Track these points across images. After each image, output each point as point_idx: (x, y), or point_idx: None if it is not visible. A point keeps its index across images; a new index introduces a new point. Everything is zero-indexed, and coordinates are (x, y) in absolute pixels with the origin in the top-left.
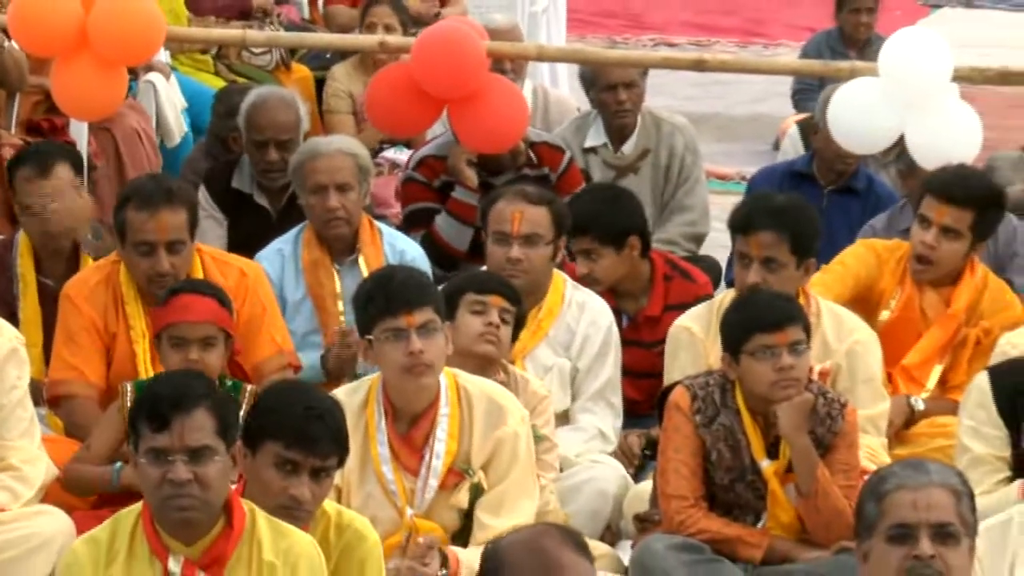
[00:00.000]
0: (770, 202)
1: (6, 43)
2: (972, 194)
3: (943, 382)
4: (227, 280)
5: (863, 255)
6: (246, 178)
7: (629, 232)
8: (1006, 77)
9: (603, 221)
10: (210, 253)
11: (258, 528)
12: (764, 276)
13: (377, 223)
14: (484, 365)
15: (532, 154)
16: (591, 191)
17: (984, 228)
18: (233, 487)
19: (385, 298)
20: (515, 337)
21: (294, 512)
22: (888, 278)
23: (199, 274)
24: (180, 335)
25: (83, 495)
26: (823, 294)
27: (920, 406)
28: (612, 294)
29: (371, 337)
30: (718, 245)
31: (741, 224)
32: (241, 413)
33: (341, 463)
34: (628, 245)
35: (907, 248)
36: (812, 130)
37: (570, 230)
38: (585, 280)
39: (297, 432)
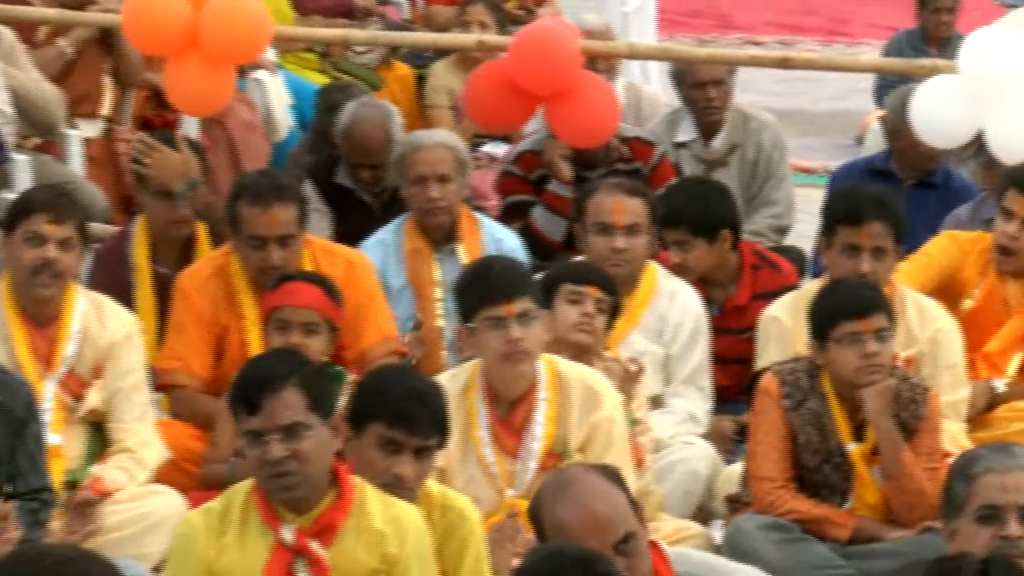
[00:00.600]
0: (875, 194)
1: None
2: None
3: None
4: (335, 270)
5: (947, 246)
6: (348, 175)
7: (721, 225)
8: None
9: (697, 214)
10: (318, 244)
11: (368, 500)
12: (873, 265)
13: (476, 214)
14: (579, 353)
15: (625, 148)
16: (686, 184)
17: None
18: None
19: (484, 288)
20: (611, 326)
21: (397, 490)
22: (971, 268)
23: (308, 265)
24: (284, 318)
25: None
26: (909, 283)
27: (1001, 389)
28: (702, 283)
29: (471, 325)
30: (802, 236)
31: (851, 216)
32: (341, 401)
33: (443, 444)
34: (720, 237)
35: (989, 239)
36: (891, 134)
37: (664, 221)
38: (677, 269)
39: (399, 413)
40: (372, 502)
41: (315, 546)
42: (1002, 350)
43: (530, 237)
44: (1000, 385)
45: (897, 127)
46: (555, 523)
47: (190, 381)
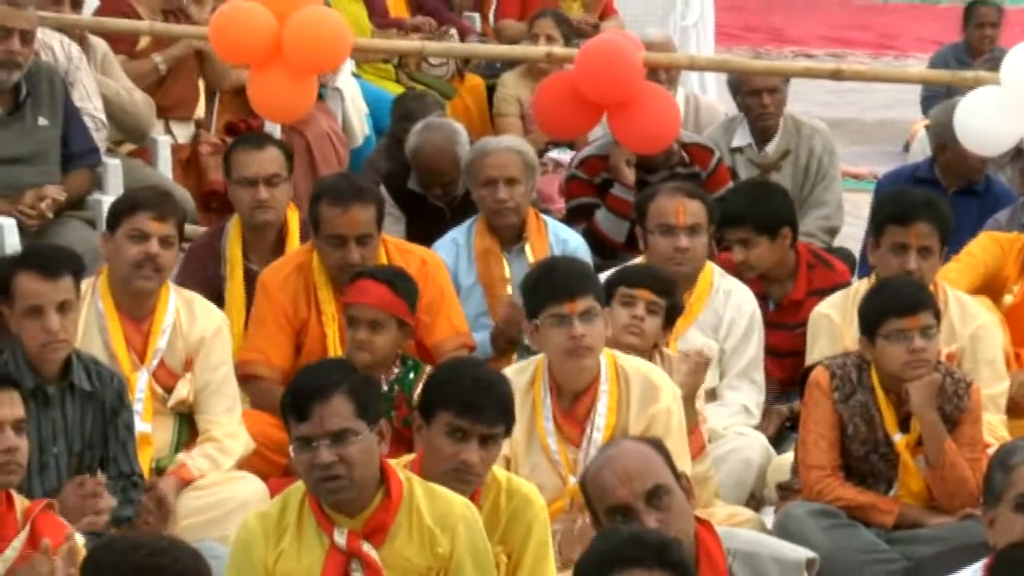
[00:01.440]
0: (923, 196)
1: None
2: None
3: None
4: (409, 268)
5: (989, 246)
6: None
7: (782, 223)
8: None
9: (759, 213)
10: (394, 243)
11: (416, 496)
12: (919, 263)
13: (543, 216)
14: (630, 354)
15: (684, 154)
16: (747, 186)
17: None
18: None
19: (550, 286)
20: (670, 326)
21: (464, 476)
22: (1011, 267)
23: (385, 262)
24: (353, 314)
25: None
26: (957, 280)
27: None
28: (760, 280)
29: (537, 322)
30: (849, 239)
31: (900, 216)
32: (417, 391)
33: (508, 432)
34: (781, 235)
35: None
36: (937, 148)
37: (728, 220)
38: (742, 267)
39: (466, 401)
40: (420, 497)
41: (367, 548)
42: None
43: (593, 238)
44: None
45: (943, 141)
46: (593, 481)
47: (270, 373)
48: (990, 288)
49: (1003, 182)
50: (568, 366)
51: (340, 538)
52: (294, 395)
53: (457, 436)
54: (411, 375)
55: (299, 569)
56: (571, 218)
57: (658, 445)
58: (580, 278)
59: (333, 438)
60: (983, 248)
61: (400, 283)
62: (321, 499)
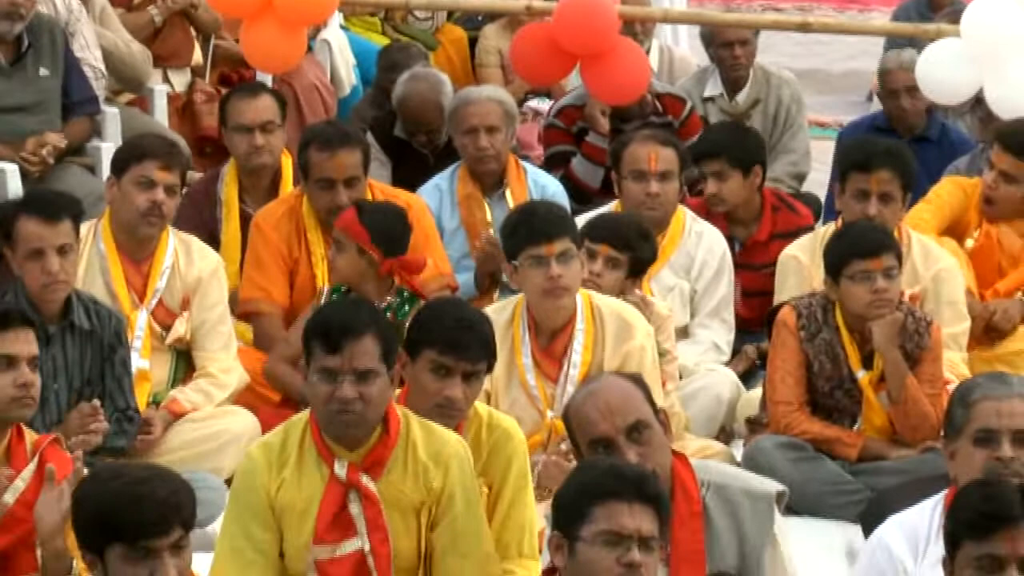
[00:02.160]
0: (885, 145)
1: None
2: None
3: None
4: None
5: (953, 190)
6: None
7: (755, 162)
8: None
9: (735, 147)
10: (380, 188)
11: (412, 432)
12: (880, 209)
13: (522, 162)
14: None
15: (658, 104)
16: (724, 125)
17: None
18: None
19: (529, 229)
20: (639, 273)
21: (448, 411)
22: (972, 211)
23: None
24: (335, 238)
25: (277, 391)
26: (928, 221)
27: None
28: (727, 222)
29: (516, 263)
30: (816, 184)
31: (862, 163)
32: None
33: (490, 368)
34: (753, 173)
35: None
36: (883, 97)
37: (704, 154)
38: (713, 200)
39: (450, 340)
40: (416, 433)
41: (366, 480)
42: (1007, 292)
43: (570, 184)
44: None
45: (891, 87)
46: (576, 414)
47: (271, 309)
48: (953, 232)
49: (961, 130)
50: (546, 305)
51: (340, 470)
52: (325, 327)
53: (441, 373)
54: (406, 307)
55: (300, 498)
56: (549, 165)
57: (639, 381)
58: (557, 222)
59: (358, 376)
60: (948, 192)
61: (371, 214)
62: (331, 431)
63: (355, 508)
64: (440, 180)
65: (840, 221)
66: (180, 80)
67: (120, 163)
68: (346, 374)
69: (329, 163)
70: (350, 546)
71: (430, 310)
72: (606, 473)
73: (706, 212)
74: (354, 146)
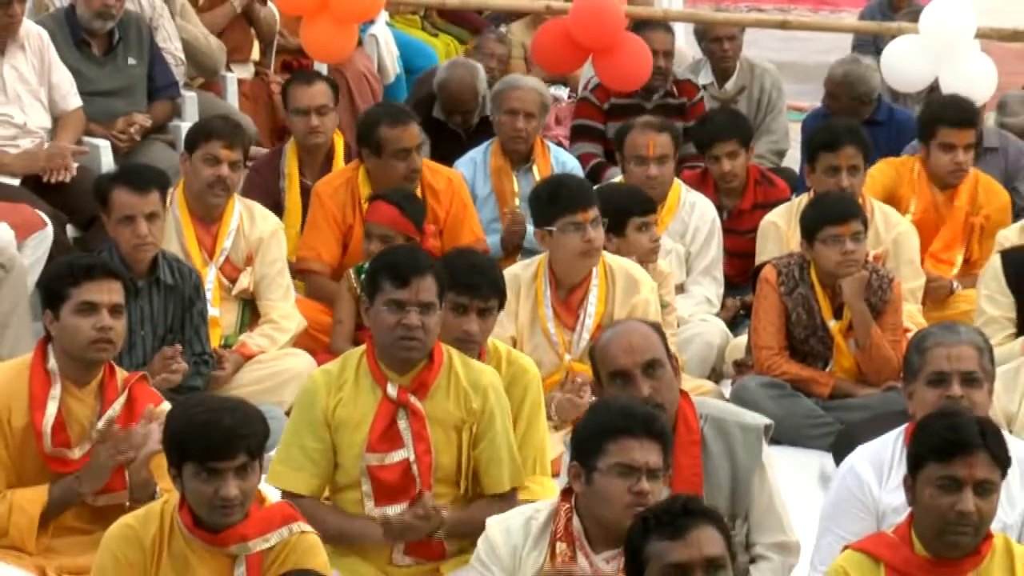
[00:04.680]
0: (846, 125)
1: (261, 8)
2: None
3: (966, 261)
4: (438, 183)
5: (885, 169)
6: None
7: (750, 140)
8: (1017, 35)
9: (743, 130)
10: (426, 163)
11: (454, 363)
12: (850, 181)
13: (546, 140)
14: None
15: (675, 87)
16: (728, 111)
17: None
18: None
19: (567, 199)
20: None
21: (466, 344)
22: (906, 187)
23: (425, 174)
24: (369, 229)
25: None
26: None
27: (958, 288)
28: (717, 193)
29: (551, 228)
30: (793, 160)
31: (830, 143)
32: None
33: (501, 306)
34: (750, 149)
35: (915, 162)
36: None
37: (718, 137)
38: (728, 177)
39: (464, 282)
40: (457, 364)
41: (413, 399)
42: (944, 248)
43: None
44: (958, 286)
45: (833, 91)
46: (602, 350)
47: (322, 268)
48: (889, 204)
49: (907, 113)
50: (579, 265)
51: (392, 390)
52: (395, 265)
53: (460, 311)
54: None
55: (355, 414)
56: (575, 135)
57: (657, 328)
58: (589, 192)
59: (422, 307)
60: (880, 171)
61: (408, 205)
62: (393, 354)
63: (403, 423)
64: (475, 153)
65: (813, 192)
66: (243, 71)
67: (191, 142)
68: (413, 306)
69: (404, 134)
70: (398, 456)
71: (447, 260)
72: (619, 413)
73: (698, 184)
74: (415, 119)
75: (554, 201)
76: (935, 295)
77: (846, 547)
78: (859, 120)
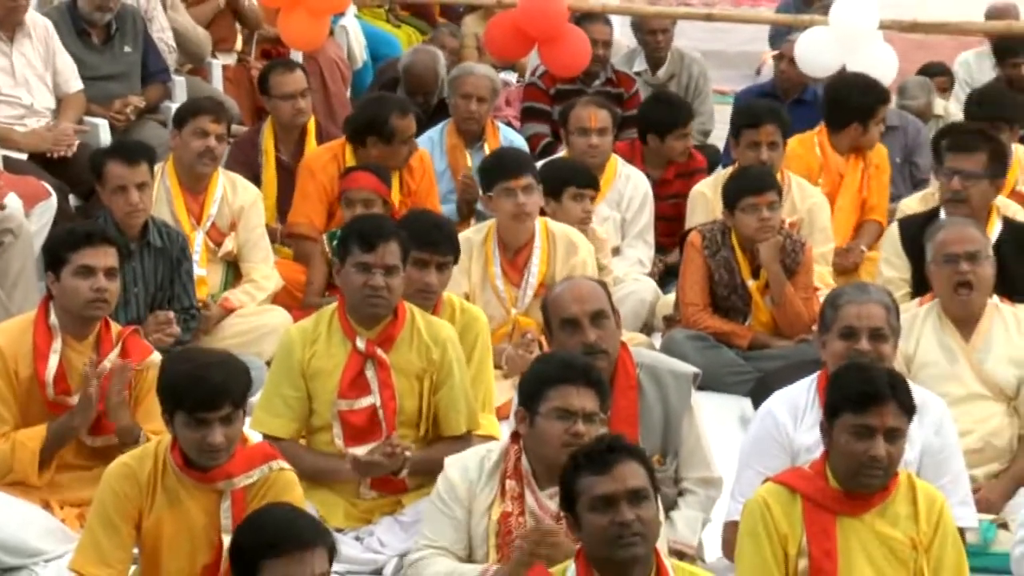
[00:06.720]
0: (767, 105)
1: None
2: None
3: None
4: (413, 161)
5: (793, 145)
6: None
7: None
8: (916, 27)
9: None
10: None
11: (416, 319)
12: (770, 155)
13: (496, 121)
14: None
15: (614, 77)
16: (675, 97)
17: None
18: None
19: (501, 167)
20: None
21: (425, 295)
22: (812, 160)
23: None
24: (350, 197)
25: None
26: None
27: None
28: (644, 164)
29: (491, 194)
30: (716, 138)
31: (752, 121)
32: None
33: (456, 260)
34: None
35: (813, 137)
36: (779, 68)
37: (677, 122)
38: (687, 153)
39: (426, 239)
40: (419, 320)
41: (380, 352)
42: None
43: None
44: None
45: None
46: (554, 299)
47: (311, 232)
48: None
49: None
50: (513, 227)
51: (360, 343)
52: (362, 231)
53: (421, 265)
54: None
55: (328, 365)
56: (524, 116)
57: (603, 284)
58: (524, 162)
59: (387, 270)
60: (789, 148)
61: (382, 172)
62: (361, 311)
63: (370, 373)
64: (432, 133)
65: (736, 165)
66: (226, 58)
67: (180, 118)
68: (378, 268)
69: (412, 124)
70: (365, 401)
71: (410, 219)
72: (560, 364)
73: (630, 157)
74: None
75: (493, 169)
76: (842, 267)
77: (766, 480)
78: (795, 94)
